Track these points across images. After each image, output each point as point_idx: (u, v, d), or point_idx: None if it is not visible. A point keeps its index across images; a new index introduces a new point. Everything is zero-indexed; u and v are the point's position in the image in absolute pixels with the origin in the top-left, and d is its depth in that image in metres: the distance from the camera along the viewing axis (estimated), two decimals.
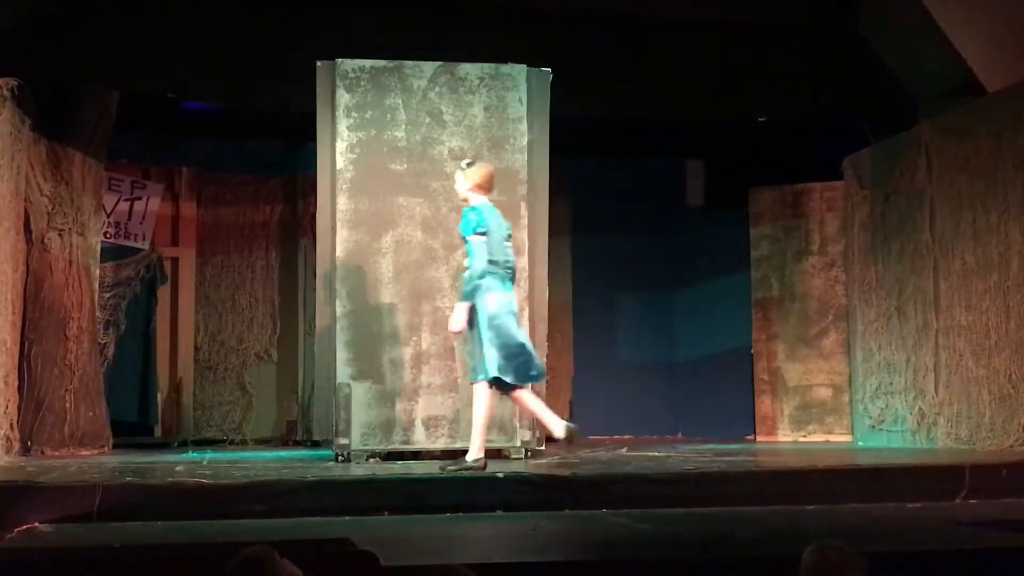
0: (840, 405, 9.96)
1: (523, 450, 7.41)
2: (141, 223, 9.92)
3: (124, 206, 9.85)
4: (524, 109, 7.70)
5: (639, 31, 8.62)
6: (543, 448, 7.66)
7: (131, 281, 9.89)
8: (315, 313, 7.76)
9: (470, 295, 6.38)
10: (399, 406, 7.35)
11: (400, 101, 7.59)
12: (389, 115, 7.58)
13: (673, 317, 11.23)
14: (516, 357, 6.42)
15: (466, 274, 6.46)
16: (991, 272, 7.92)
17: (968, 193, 8.17)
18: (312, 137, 7.79)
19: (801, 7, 8.71)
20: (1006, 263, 7.79)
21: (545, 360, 7.92)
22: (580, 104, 8.71)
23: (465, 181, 6.56)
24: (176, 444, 9.69)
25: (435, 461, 6.96)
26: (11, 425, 7.68)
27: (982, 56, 8.04)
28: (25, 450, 7.97)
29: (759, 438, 10.30)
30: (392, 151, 7.56)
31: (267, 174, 10.49)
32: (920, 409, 8.65)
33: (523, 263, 7.55)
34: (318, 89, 7.58)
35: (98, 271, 9.10)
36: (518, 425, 7.41)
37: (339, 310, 7.37)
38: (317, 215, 7.76)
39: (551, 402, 7.72)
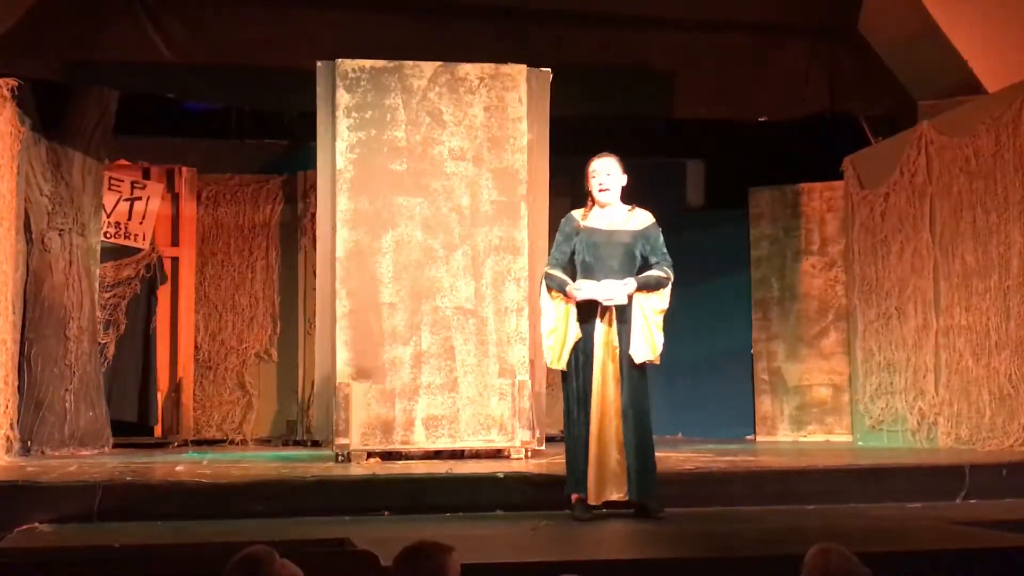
0: (840, 405, 9.96)
1: (523, 450, 7.40)
2: (141, 223, 9.92)
3: (124, 206, 9.85)
4: (524, 109, 7.69)
5: (639, 31, 8.61)
6: (543, 448, 7.66)
7: (131, 281, 9.89)
8: (315, 313, 7.74)
9: None
10: (399, 406, 7.34)
11: (400, 101, 7.58)
12: (389, 115, 7.57)
13: (673, 317, 11.17)
14: None
15: None
16: (991, 272, 7.91)
17: (968, 193, 8.16)
18: (312, 137, 7.79)
19: (801, 7, 8.71)
20: (1006, 263, 7.78)
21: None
22: (580, 104, 8.70)
23: None
24: (176, 444, 9.69)
25: (435, 461, 6.96)
26: (11, 425, 7.67)
27: (982, 56, 8.04)
28: (25, 450, 7.97)
29: (759, 438, 10.29)
30: (392, 151, 7.55)
31: (267, 174, 10.50)
32: (920, 409, 8.65)
33: (523, 263, 7.55)
34: (318, 89, 7.58)
35: (98, 271, 9.10)
36: (518, 425, 7.40)
37: (339, 310, 7.36)
38: (317, 215, 7.76)
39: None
